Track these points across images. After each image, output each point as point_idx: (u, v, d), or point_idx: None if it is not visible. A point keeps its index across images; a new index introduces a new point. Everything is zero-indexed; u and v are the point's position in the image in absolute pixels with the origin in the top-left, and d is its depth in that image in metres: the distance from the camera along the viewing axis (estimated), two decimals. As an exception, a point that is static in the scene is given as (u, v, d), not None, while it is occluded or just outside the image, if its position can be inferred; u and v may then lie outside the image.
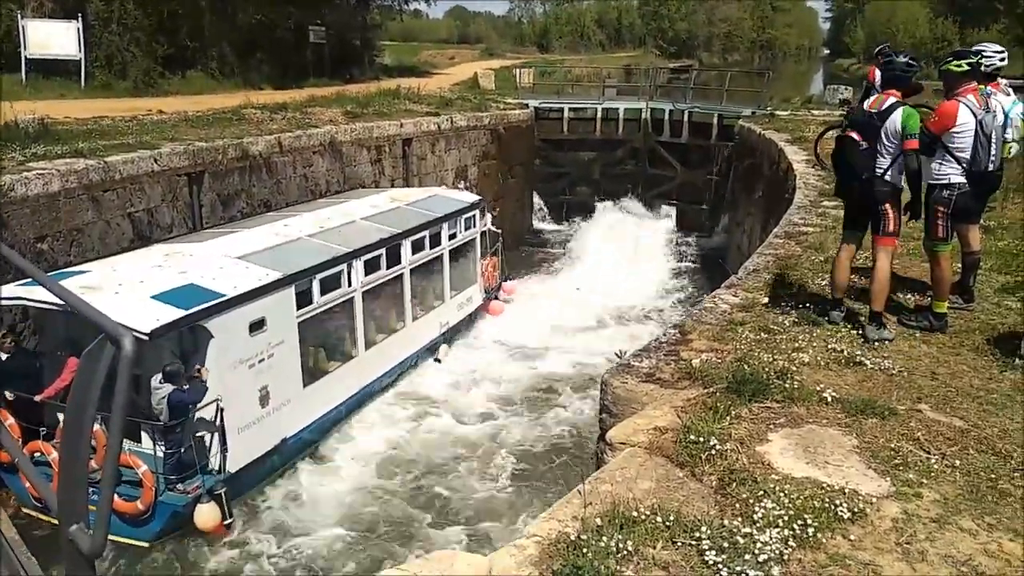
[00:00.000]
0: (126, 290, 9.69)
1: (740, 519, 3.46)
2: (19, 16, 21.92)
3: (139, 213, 13.12)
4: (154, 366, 9.67)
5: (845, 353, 5.35)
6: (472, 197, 17.51)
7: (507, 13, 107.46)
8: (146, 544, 9.54)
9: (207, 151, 14.49)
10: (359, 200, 15.59)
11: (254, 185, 15.65)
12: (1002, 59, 6.46)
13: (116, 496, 9.13)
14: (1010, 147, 6.43)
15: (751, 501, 3.57)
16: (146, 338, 8.97)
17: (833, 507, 3.54)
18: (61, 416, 9.86)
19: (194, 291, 9.98)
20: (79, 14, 22.48)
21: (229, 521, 9.81)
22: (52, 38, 22.35)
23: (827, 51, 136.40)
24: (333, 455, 11.83)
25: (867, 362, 5.21)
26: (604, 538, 3.19)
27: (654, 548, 3.24)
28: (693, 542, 3.25)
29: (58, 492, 2.35)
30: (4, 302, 9.74)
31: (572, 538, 3.20)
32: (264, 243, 12.05)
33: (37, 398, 9.75)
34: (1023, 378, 5.07)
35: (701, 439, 4.06)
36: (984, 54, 6.26)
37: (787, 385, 4.77)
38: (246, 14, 28.36)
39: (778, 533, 3.32)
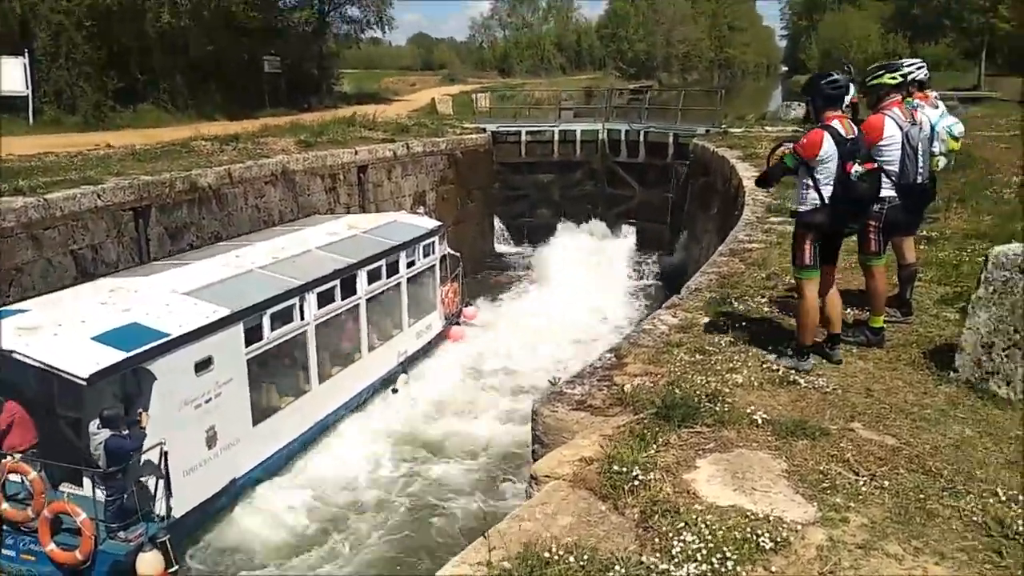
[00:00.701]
0: (66, 331, 9.39)
1: (659, 554, 3.32)
2: (-36, 53, 21.55)
3: (83, 250, 12.81)
4: (94, 410, 9.36)
5: (780, 372, 5.27)
6: (431, 223, 17.37)
7: (468, 39, 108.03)
8: None
9: (153, 184, 14.23)
10: (315, 228, 15.37)
11: (203, 217, 15.39)
12: (925, 72, 6.50)
13: (54, 545, 8.85)
14: (937, 160, 6.44)
15: (671, 534, 3.44)
16: (84, 383, 8.69)
17: (755, 537, 3.41)
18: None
19: (137, 331, 9.69)
20: (25, 49, 22.13)
21: (174, 569, 9.45)
22: (-1, 74, 21.99)
23: (785, 68, 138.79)
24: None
25: (801, 381, 5.12)
26: (512, 583, 3.04)
27: (566, 590, 3.08)
28: (607, 582, 3.10)
29: None
30: None
31: (477, 585, 3.04)
32: (213, 276, 11.76)
33: None
34: (958, 391, 5.02)
35: (625, 469, 3.93)
36: (907, 66, 6.28)
37: (718, 408, 4.66)
38: (198, 45, 28.11)
39: (695, 568, 3.19)
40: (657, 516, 3.62)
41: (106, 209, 13.23)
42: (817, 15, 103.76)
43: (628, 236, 25.07)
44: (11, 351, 8.84)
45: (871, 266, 5.90)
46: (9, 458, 9.19)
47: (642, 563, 3.24)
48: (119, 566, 9.10)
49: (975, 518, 3.64)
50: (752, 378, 5.19)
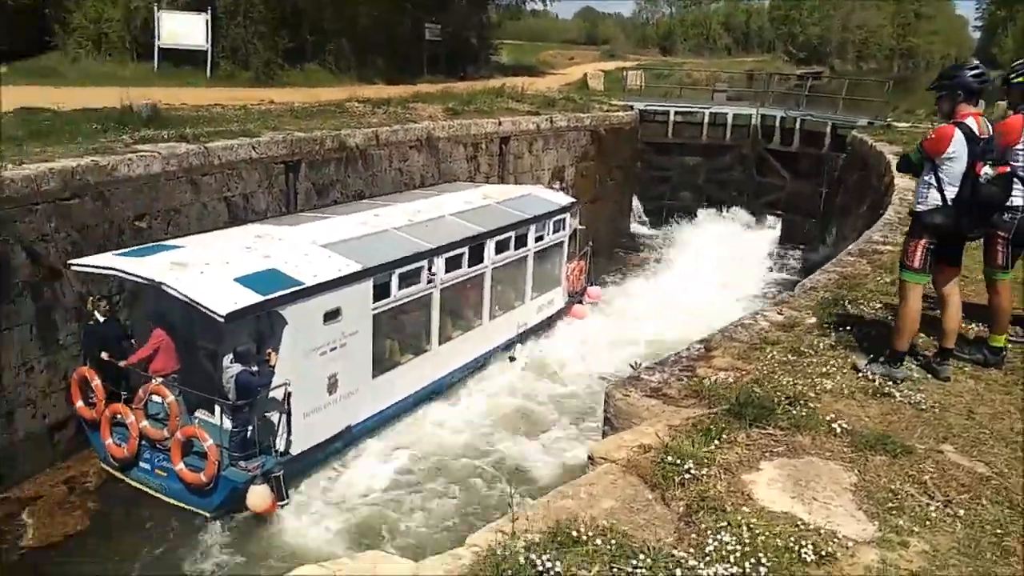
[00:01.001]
0: (212, 270, 10.12)
1: (692, 550, 3.26)
2: (156, 8, 23.38)
3: (235, 197, 13.73)
4: (230, 346, 10.13)
5: (875, 383, 4.97)
6: (566, 199, 17.39)
7: (633, 15, 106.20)
8: (208, 515, 9.99)
9: (305, 141, 15.01)
10: (452, 194, 15.77)
11: (349, 176, 16.10)
12: None
13: (183, 465, 9.68)
14: None
15: (710, 532, 3.36)
16: (222, 320, 9.40)
17: (799, 548, 3.28)
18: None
19: (275, 277, 10.34)
20: (208, 7, 23.77)
21: (285, 502, 10.13)
22: (183, 29, 23.78)
23: (975, 61, 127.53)
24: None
25: (897, 394, 4.82)
26: (533, 555, 3.07)
27: (588, 571, 3.09)
28: (631, 569, 3.09)
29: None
30: (98, 270, 10.37)
31: (499, 552, 3.10)
32: (351, 233, 12.30)
33: (122, 364, 10.37)
34: (1074, 425, 4.57)
35: (679, 461, 3.86)
36: None
37: (796, 412, 4.47)
38: (366, 10, 29.22)
39: (724, 570, 3.10)
40: (702, 512, 3.55)
41: (260, 161, 14.10)
42: (1019, 6, 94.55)
43: (773, 228, 24.17)
44: (162, 282, 9.67)
45: (995, 280, 5.44)
46: (153, 381, 10.09)
47: (672, 556, 3.19)
48: (237, 492, 9.85)
49: (1055, 562, 3.34)
50: (844, 385, 4.94)
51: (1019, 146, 5.30)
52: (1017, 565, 3.35)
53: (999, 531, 3.56)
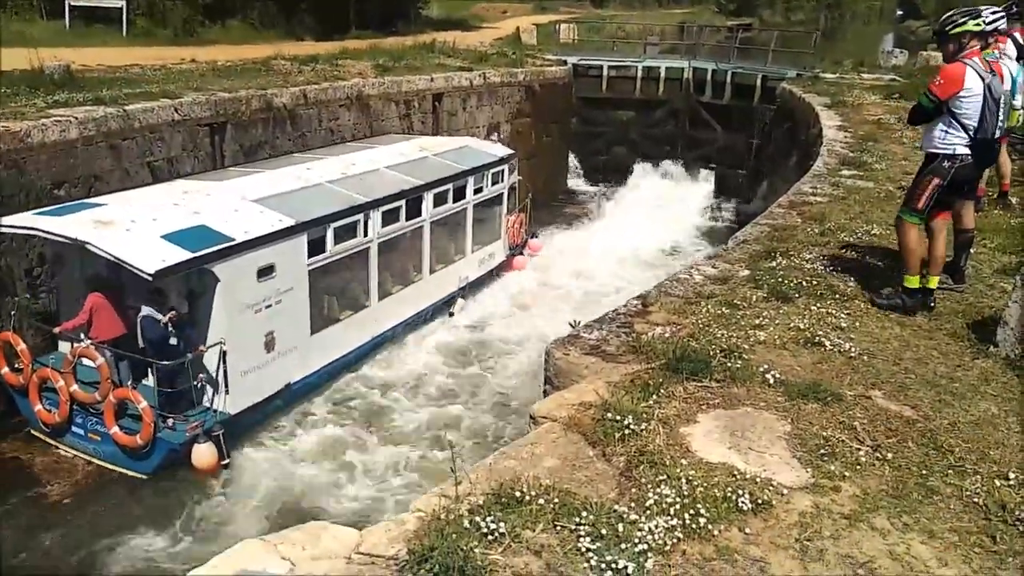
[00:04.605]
0: (138, 227, 9.79)
1: (633, 504, 3.31)
2: (63, -38, 22.18)
3: (159, 162, 13.25)
4: (158, 304, 9.91)
5: (807, 333, 5.09)
6: (503, 150, 17.23)
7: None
8: (144, 477, 9.84)
9: (230, 101, 14.51)
10: (387, 147, 15.46)
11: (278, 137, 15.66)
12: (1002, 19, 6.01)
13: (117, 428, 9.44)
14: (1019, 115, 6.01)
15: (649, 486, 3.41)
16: (150, 278, 9.11)
17: (736, 497, 3.35)
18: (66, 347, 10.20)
19: (205, 233, 10.06)
20: (121, -39, 22.65)
21: (226, 461, 10.02)
22: (95, -16, 22.61)
23: (899, 12, 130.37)
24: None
25: (827, 343, 4.94)
26: (478, 517, 3.08)
27: (532, 531, 3.11)
28: (574, 526, 3.12)
29: None
30: (17, 230, 9.94)
31: (442, 517, 3.09)
32: (283, 187, 12.00)
33: (56, 330, 10.13)
34: (993, 367, 4.77)
35: (619, 417, 3.89)
36: (991, 13, 5.82)
37: (731, 364, 4.56)
38: (289, -37, 28.24)
39: (665, 522, 3.16)
40: (642, 467, 3.59)
41: (183, 123, 13.59)
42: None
43: (707, 181, 24.45)
44: (86, 241, 9.29)
45: (905, 220, 5.59)
46: (80, 344, 9.76)
47: (614, 511, 3.23)
48: (175, 454, 9.69)
49: (977, 500, 3.50)
50: (777, 336, 5.04)
51: (963, 94, 5.37)
52: (941, 504, 3.49)
53: (924, 472, 3.70)
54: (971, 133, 5.44)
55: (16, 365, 10.17)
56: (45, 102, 12.32)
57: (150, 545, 8.93)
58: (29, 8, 22.84)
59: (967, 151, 5.48)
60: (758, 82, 23.12)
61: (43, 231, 9.69)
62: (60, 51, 15.64)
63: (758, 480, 3.53)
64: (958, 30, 5.62)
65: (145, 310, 9.82)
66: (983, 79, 5.45)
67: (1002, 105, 5.56)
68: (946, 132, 5.49)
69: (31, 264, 11.19)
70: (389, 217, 13.08)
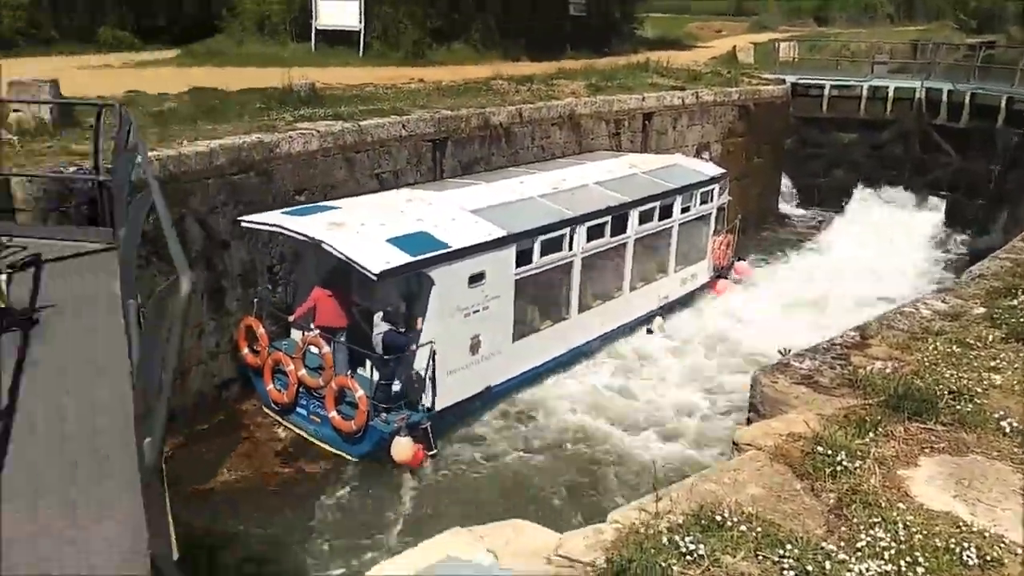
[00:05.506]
0: (367, 230, 10.72)
1: (843, 543, 3.17)
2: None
3: (386, 174, 14.26)
4: (381, 303, 10.74)
5: (1053, 380, 4.61)
6: (714, 170, 16.97)
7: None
8: (355, 459, 10.63)
9: (451, 119, 15.35)
10: (597, 163, 15.75)
11: (493, 153, 16.34)
12: None
13: (336, 413, 10.29)
14: None
15: (862, 527, 3.25)
16: (375, 278, 9.88)
17: (960, 550, 3.12)
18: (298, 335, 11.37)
19: (424, 239, 10.83)
20: (361, -12, 24.66)
21: (433, 452, 10.66)
22: (338, 11, 24.81)
23: None
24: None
25: (1077, 393, 4.45)
26: (676, 536, 3.08)
27: (733, 557, 3.07)
28: (777, 558, 3.04)
29: (135, 411, 2.73)
30: (265, 227, 11.11)
31: (641, 531, 3.12)
32: (497, 199, 12.65)
33: (290, 319, 11.33)
34: None
35: (831, 452, 3.74)
36: None
37: (961, 407, 4.22)
38: (511, -12, 29.40)
39: (879, 566, 3.00)
40: (854, 506, 3.43)
41: (409, 139, 14.55)
42: None
43: (936, 209, 22.60)
44: (321, 241, 10.28)
45: None
46: (309, 332, 10.75)
47: (821, 548, 3.11)
48: (383, 442, 10.39)
49: None
50: (1016, 381, 4.61)
51: None
52: None
53: None
54: None
55: (255, 348, 11.34)
56: (293, 116, 13.67)
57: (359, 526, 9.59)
58: (283, 32, 25.43)
59: None
60: (1003, 104, 21.06)
61: (286, 229, 10.80)
62: (307, 70, 17.29)
63: (987, 535, 3.26)
64: None
65: (381, 326, 10.51)
66: None
67: None
68: None
69: (272, 261, 12.45)
70: (594, 232, 13.31)
